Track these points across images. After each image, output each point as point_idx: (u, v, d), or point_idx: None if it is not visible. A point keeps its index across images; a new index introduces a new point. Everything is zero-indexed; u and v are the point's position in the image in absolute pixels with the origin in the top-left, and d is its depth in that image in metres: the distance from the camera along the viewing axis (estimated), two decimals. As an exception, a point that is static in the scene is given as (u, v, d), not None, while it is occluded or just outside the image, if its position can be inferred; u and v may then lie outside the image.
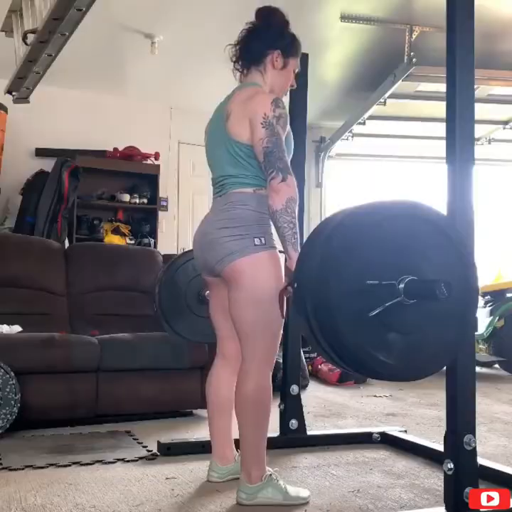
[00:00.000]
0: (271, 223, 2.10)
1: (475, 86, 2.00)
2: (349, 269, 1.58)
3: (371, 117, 6.14)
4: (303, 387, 4.31)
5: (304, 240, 1.88)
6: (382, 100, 5.66)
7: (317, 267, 1.62)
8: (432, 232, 1.67)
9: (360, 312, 1.57)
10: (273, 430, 2.65)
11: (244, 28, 2.25)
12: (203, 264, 2.22)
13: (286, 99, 2.98)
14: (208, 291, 2.51)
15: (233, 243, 2.07)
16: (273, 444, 2.31)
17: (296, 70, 2.32)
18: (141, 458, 2.66)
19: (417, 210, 1.69)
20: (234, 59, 2.28)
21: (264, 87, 2.21)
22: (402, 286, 1.60)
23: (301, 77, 2.96)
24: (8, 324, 3.52)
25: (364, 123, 6.23)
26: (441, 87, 4.37)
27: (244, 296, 2.07)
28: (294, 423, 2.83)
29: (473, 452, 1.87)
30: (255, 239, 2.06)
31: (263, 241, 2.07)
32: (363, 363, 1.62)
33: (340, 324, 1.57)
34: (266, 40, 2.21)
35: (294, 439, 2.85)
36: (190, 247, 2.51)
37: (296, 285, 1.73)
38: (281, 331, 2.16)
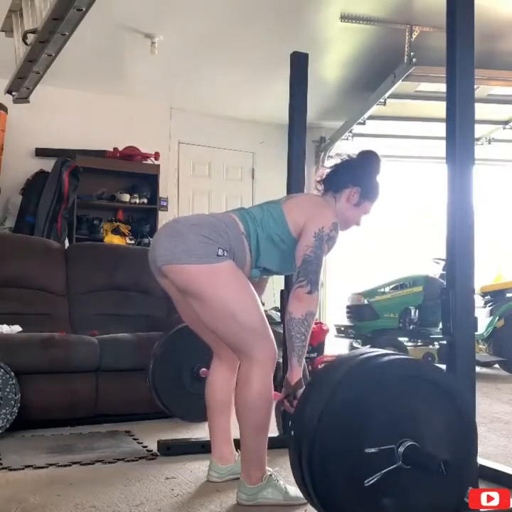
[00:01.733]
0: (233, 251, 2.07)
1: (475, 86, 2.00)
2: (348, 430, 1.54)
3: (371, 117, 6.13)
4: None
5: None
6: (382, 100, 5.66)
7: (316, 423, 1.59)
8: (435, 395, 1.65)
9: (356, 476, 1.53)
10: (273, 430, 2.64)
11: (342, 158, 2.37)
12: (154, 256, 2.09)
13: (286, 101, 3.00)
14: (203, 369, 2.47)
15: (195, 243, 2.01)
16: (273, 444, 2.30)
17: (367, 214, 2.35)
18: (141, 458, 2.66)
19: (420, 371, 1.67)
20: (318, 179, 2.37)
21: (333, 209, 2.26)
22: (401, 450, 1.57)
23: (301, 77, 2.97)
24: (8, 324, 3.52)
25: (364, 123, 6.23)
26: (441, 87, 4.37)
27: (217, 312, 2.04)
28: (294, 423, 2.83)
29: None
30: (219, 249, 2.02)
31: (226, 254, 2.04)
32: None
33: (334, 487, 1.54)
34: (353, 175, 2.29)
35: (294, 439, 2.84)
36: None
37: (292, 433, 1.71)
38: (269, 329, 2.11)
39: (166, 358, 3.02)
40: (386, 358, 1.68)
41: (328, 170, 2.36)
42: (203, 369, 2.51)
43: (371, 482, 1.53)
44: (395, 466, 1.56)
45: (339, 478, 1.54)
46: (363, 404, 1.57)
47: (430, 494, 1.63)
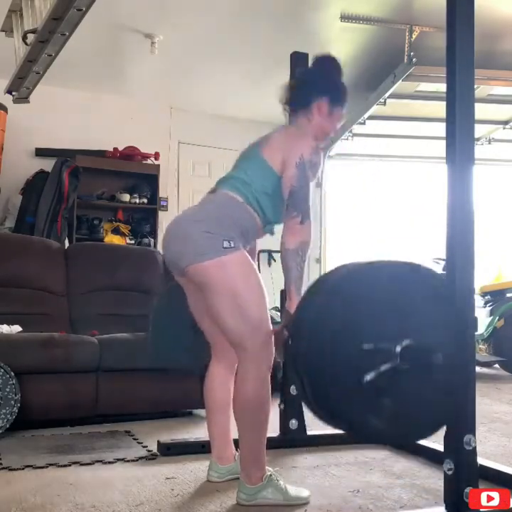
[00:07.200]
0: (242, 229, 2.10)
1: (475, 86, 2.00)
2: (345, 331, 1.55)
3: (371, 117, 6.13)
4: (303, 387, 4.31)
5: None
6: (382, 100, 5.66)
7: (312, 324, 1.60)
8: (430, 296, 1.66)
9: (353, 375, 1.54)
10: (273, 430, 2.65)
11: (300, 72, 2.33)
12: (170, 258, 2.19)
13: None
14: None
15: (202, 242, 2.04)
16: (273, 444, 2.31)
17: (341, 120, 2.35)
18: (141, 458, 2.66)
19: (415, 272, 1.69)
20: (284, 101, 2.33)
21: (309, 133, 2.25)
22: (398, 349, 1.58)
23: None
24: (8, 324, 3.52)
25: (364, 123, 6.23)
26: (441, 87, 4.37)
27: (224, 303, 2.06)
28: (294, 423, 2.83)
29: (473, 452, 1.86)
30: (224, 241, 2.04)
31: (232, 244, 2.05)
32: (353, 427, 1.62)
33: (332, 387, 1.55)
34: (317, 86, 2.27)
35: (294, 439, 2.85)
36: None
37: (290, 341, 1.72)
38: (271, 327, 2.13)
39: (166, 311, 2.97)
40: (378, 263, 1.71)
41: (290, 90, 2.32)
42: None
43: (370, 379, 1.54)
44: (392, 364, 1.57)
45: (336, 377, 1.55)
46: (356, 308, 1.57)
47: (429, 397, 1.64)
